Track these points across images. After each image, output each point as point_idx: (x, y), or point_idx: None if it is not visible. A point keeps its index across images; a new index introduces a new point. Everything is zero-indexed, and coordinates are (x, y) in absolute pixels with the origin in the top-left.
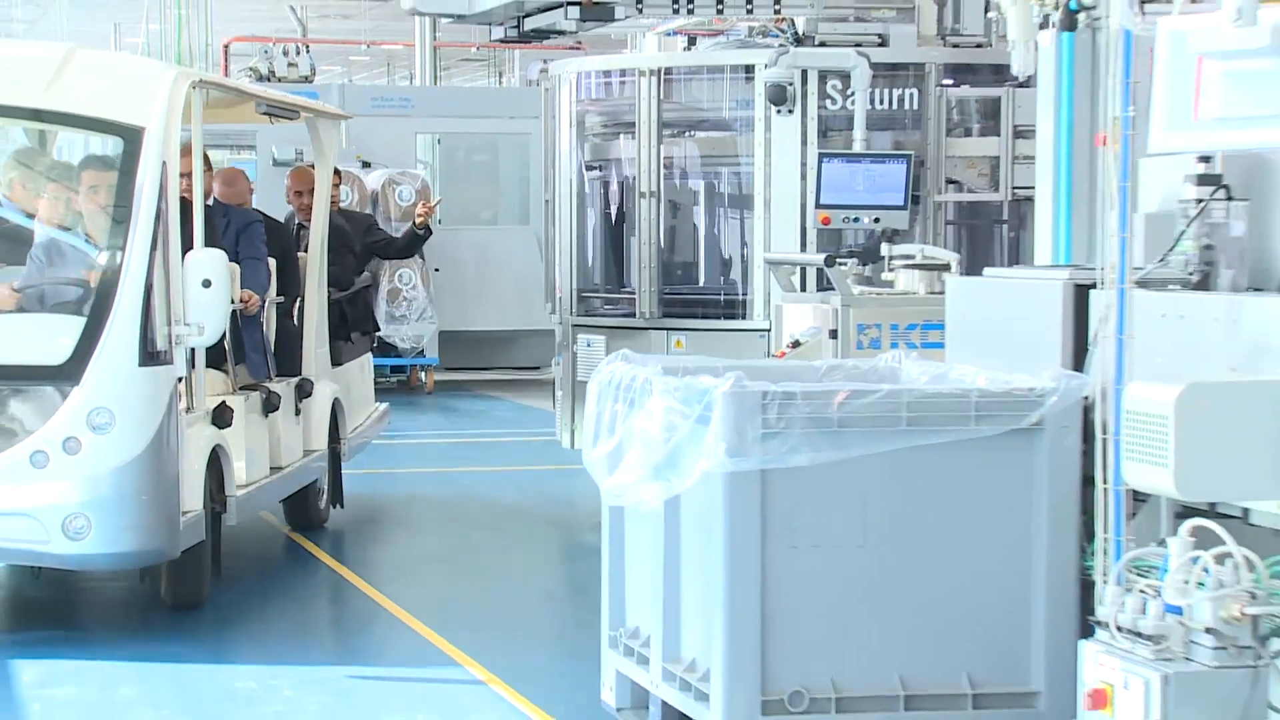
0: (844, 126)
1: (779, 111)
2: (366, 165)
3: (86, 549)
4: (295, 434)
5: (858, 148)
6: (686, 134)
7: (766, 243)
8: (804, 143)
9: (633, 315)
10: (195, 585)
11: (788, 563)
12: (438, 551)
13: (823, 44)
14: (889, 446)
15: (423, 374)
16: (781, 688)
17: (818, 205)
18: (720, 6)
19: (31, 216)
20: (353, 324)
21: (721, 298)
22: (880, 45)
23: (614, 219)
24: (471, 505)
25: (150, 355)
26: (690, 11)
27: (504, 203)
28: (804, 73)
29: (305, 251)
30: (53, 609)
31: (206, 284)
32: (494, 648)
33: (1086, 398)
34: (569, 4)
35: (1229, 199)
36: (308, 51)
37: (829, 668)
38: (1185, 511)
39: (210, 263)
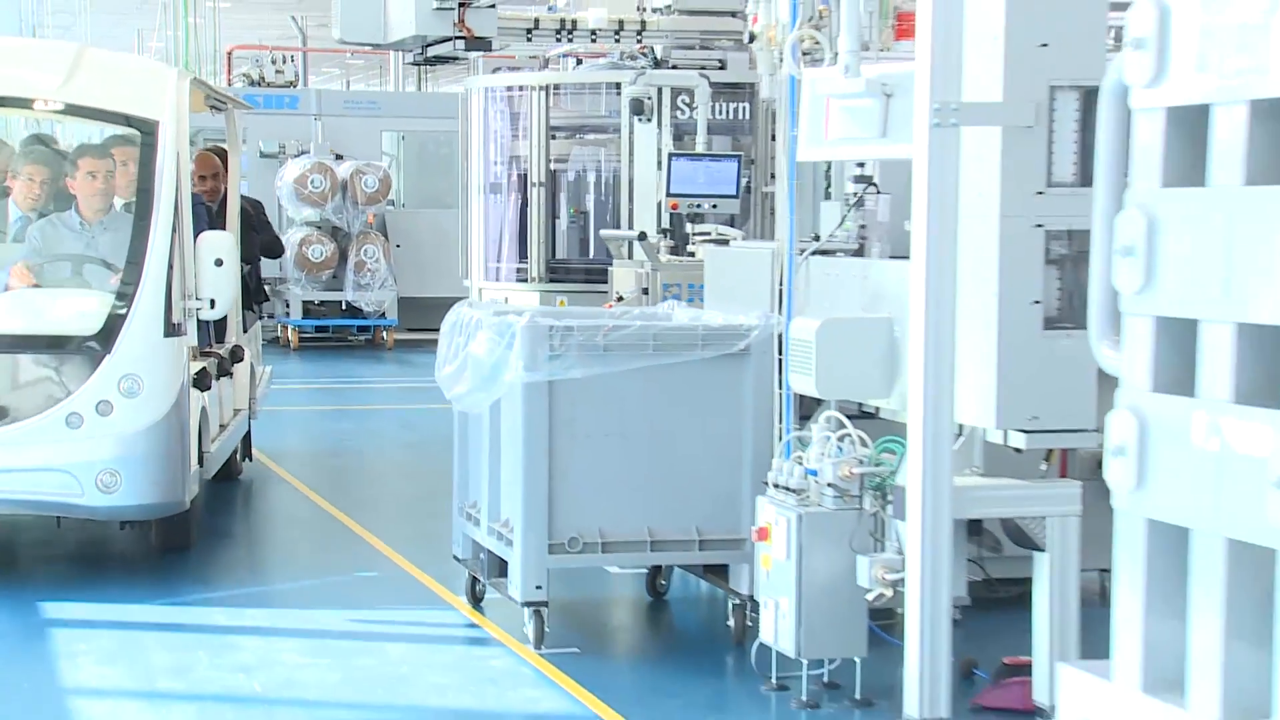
0: (693, 132)
1: (640, 120)
2: (339, 158)
3: (116, 501)
4: (229, 395)
5: (700, 149)
6: (574, 136)
7: (631, 223)
8: (660, 144)
9: (526, 280)
10: (184, 532)
11: (569, 447)
12: (377, 467)
13: (674, 67)
14: (640, 365)
15: (384, 333)
16: (563, 535)
17: (669, 194)
18: (594, 36)
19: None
20: (252, 295)
21: (595, 266)
22: (720, 68)
23: (513, 203)
24: (409, 433)
25: (171, 327)
26: (570, 40)
27: (457, 190)
28: (660, 90)
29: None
30: (57, 554)
31: (219, 263)
32: (394, 529)
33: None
34: (456, 38)
35: (878, 192)
36: (293, 61)
37: (597, 521)
38: (850, 414)
39: (221, 243)
